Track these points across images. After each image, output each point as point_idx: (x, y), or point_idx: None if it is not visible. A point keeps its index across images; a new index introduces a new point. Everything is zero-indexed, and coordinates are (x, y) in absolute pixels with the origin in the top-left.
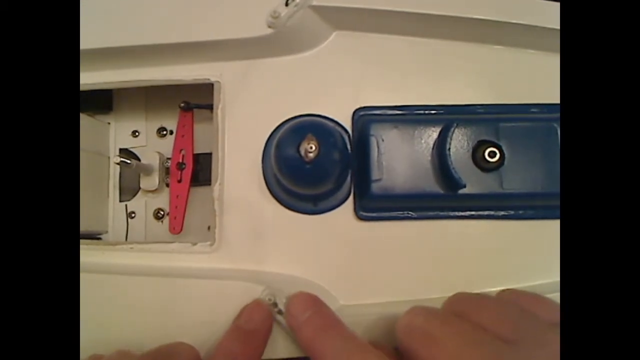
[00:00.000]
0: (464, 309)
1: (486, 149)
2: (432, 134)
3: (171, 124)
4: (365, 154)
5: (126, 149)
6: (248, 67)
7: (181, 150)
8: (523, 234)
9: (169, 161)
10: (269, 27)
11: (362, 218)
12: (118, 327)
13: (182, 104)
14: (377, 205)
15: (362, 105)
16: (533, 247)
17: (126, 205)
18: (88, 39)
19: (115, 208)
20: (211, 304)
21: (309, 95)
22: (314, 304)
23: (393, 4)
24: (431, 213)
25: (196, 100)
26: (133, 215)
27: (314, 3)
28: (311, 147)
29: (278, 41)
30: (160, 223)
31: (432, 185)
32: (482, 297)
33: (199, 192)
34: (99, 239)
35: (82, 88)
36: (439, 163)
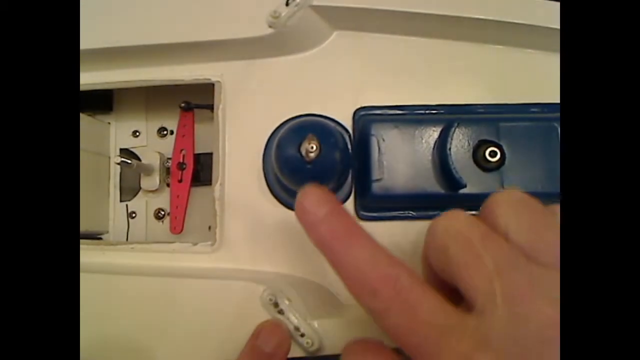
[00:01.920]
0: (502, 223)
1: (487, 148)
2: (432, 133)
3: (172, 124)
4: (366, 153)
5: (126, 149)
6: (248, 67)
7: (182, 150)
8: None
9: (170, 161)
10: (270, 27)
11: (362, 218)
12: (118, 327)
13: (183, 104)
14: (377, 205)
15: (363, 105)
16: None
17: (127, 205)
18: (88, 39)
19: (115, 208)
20: (212, 304)
21: (310, 95)
22: (329, 200)
23: (393, 4)
24: (432, 213)
25: (197, 100)
26: (134, 215)
27: (315, 3)
28: (312, 147)
29: (278, 41)
30: (161, 223)
31: (432, 185)
32: (521, 215)
33: (199, 192)
34: (100, 239)
35: (82, 88)
36: (440, 163)
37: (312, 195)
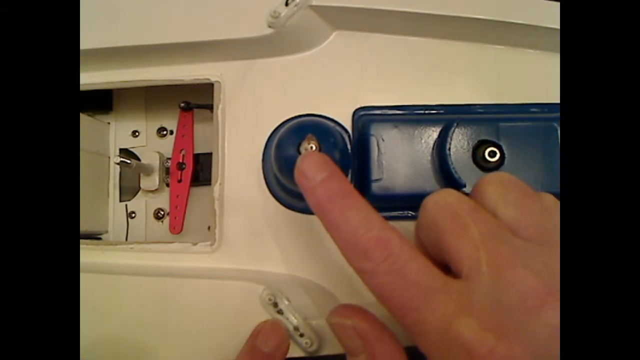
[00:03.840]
0: (490, 200)
1: (486, 148)
2: (432, 133)
3: (171, 124)
4: (365, 153)
5: (126, 149)
6: (248, 67)
7: (181, 150)
8: None
9: (169, 161)
10: (269, 27)
11: None
12: (118, 327)
13: (182, 104)
14: (377, 205)
15: (362, 105)
16: None
17: (126, 205)
18: (88, 39)
19: (115, 208)
20: (211, 304)
21: (309, 95)
22: (328, 166)
23: (393, 4)
24: None
25: (196, 100)
26: (133, 215)
27: (314, 3)
28: (311, 147)
29: (278, 41)
30: (161, 223)
31: (432, 185)
32: (509, 193)
33: (199, 192)
34: (99, 239)
35: (82, 88)
36: (439, 163)
37: (311, 161)
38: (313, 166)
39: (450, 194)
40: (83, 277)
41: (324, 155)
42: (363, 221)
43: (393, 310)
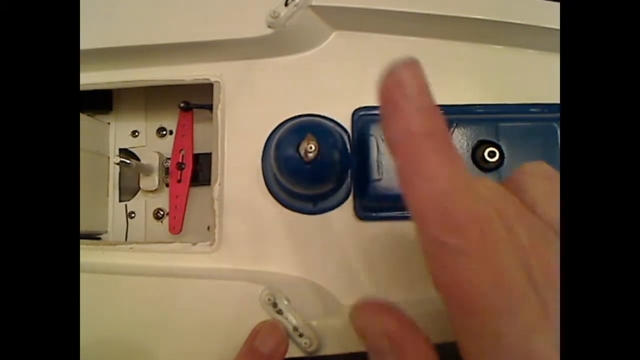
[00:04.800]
0: (530, 195)
1: (486, 148)
2: None
3: (171, 124)
4: (365, 153)
5: (126, 149)
6: (248, 67)
7: (181, 150)
8: None
9: (169, 161)
10: (269, 27)
11: (362, 218)
12: (118, 327)
13: (182, 104)
14: (376, 205)
15: (362, 105)
16: None
17: (126, 205)
18: (88, 39)
19: (115, 208)
20: (211, 304)
21: (309, 95)
22: (432, 97)
23: (393, 4)
24: None
25: (196, 100)
26: (133, 215)
27: (314, 3)
28: (311, 147)
29: (278, 41)
30: (160, 223)
31: None
32: (554, 191)
33: (198, 192)
34: (99, 239)
35: (82, 88)
36: None
37: (417, 76)
38: (419, 83)
39: (489, 188)
40: (83, 277)
41: (426, 80)
42: (465, 184)
43: (468, 311)
